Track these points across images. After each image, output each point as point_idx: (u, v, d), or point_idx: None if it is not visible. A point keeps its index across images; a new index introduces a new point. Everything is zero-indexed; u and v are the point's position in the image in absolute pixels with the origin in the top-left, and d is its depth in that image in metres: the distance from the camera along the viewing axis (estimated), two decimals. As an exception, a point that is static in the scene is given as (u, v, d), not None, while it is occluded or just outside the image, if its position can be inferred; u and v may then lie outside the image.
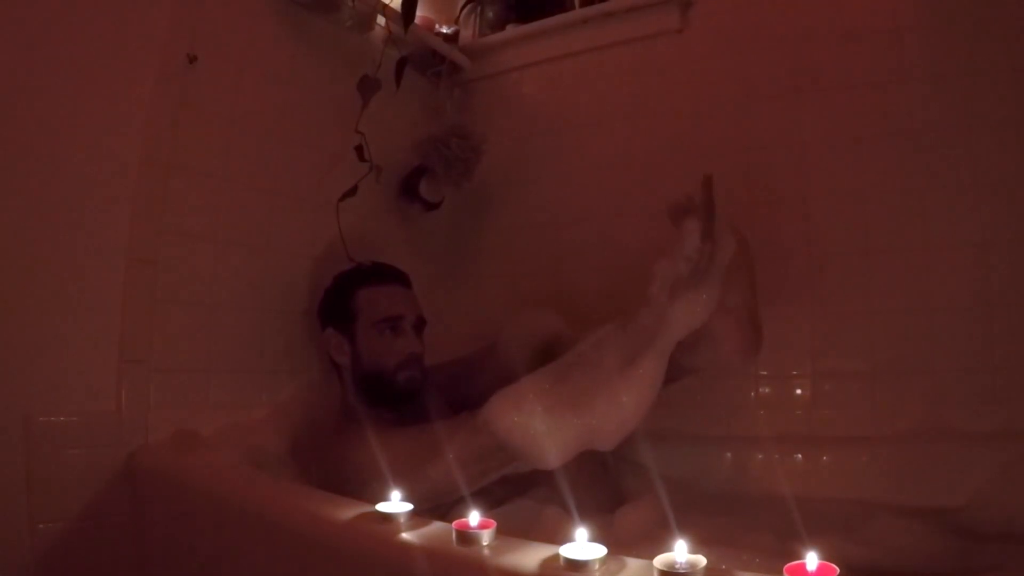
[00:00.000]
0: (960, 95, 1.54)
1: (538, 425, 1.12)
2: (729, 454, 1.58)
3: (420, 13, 1.85)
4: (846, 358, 1.61)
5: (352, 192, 1.66)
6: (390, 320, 1.50)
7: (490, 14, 2.21)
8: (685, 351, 1.21)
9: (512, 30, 2.13)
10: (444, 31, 2.08)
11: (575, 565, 0.72)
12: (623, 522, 1.25)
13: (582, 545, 0.75)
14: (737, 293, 1.26)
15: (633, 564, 0.73)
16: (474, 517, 0.83)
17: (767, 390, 1.66)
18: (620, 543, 1.00)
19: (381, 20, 1.80)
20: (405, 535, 0.86)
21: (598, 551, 0.73)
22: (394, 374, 1.48)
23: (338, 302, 1.54)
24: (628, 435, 1.15)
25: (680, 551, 0.69)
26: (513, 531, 0.86)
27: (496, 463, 1.19)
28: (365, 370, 1.50)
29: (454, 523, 0.83)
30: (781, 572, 0.66)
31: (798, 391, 1.63)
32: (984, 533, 1.24)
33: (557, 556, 0.74)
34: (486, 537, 0.80)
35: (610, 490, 1.49)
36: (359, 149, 1.67)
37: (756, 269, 1.33)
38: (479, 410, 1.18)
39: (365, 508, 0.94)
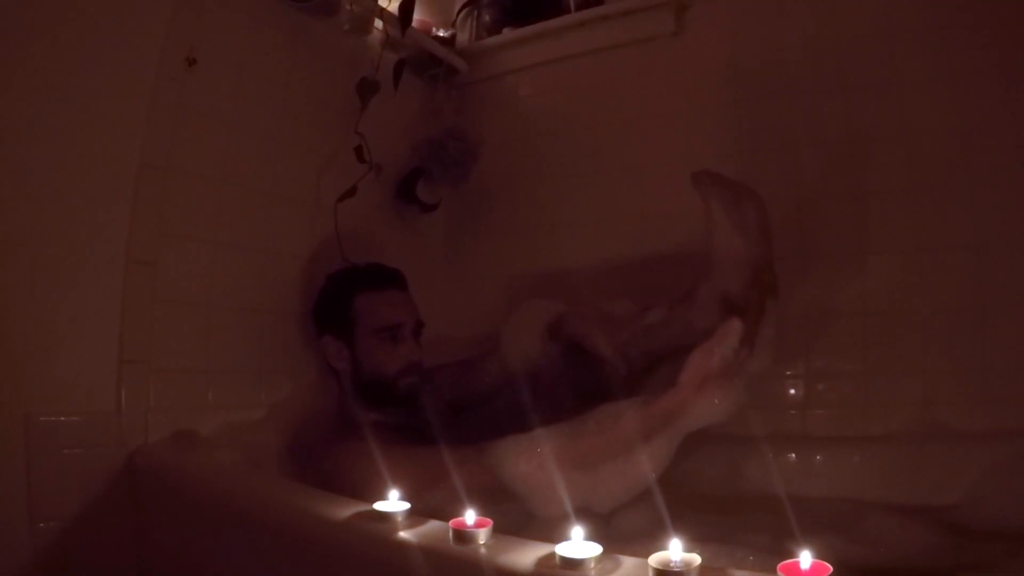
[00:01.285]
0: (954, 97, 1.55)
1: (544, 478, 1.18)
2: (723, 453, 1.58)
3: (417, 16, 1.87)
4: (840, 358, 1.62)
5: (351, 193, 1.67)
6: (390, 328, 1.50)
7: (487, 17, 2.22)
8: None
9: (509, 33, 2.13)
10: (441, 34, 2.09)
11: (571, 563, 0.73)
12: (621, 522, 1.25)
13: (578, 544, 0.76)
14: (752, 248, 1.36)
15: (628, 563, 0.74)
16: (470, 516, 0.83)
17: (761, 390, 1.67)
18: (617, 542, 1.01)
19: (379, 23, 1.81)
20: (402, 534, 0.86)
21: (594, 550, 0.74)
22: (395, 381, 1.49)
23: (335, 308, 1.54)
24: (622, 504, 1.22)
25: (675, 550, 0.70)
26: (507, 530, 0.87)
27: (494, 500, 1.20)
28: (365, 377, 1.50)
29: (451, 522, 0.83)
30: (775, 570, 0.67)
31: (792, 391, 1.64)
32: (977, 531, 1.25)
33: (553, 554, 0.75)
34: (482, 536, 0.81)
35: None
36: (358, 150, 1.68)
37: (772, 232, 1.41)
38: (489, 447, 1.24)
39: (362, 507, 0.95)
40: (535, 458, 1.20)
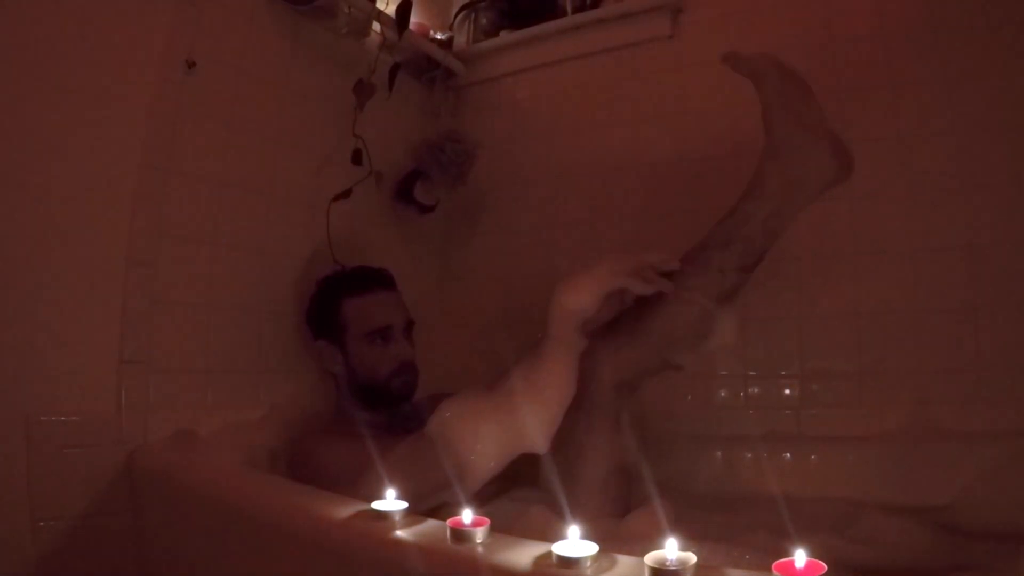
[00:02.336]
0: (948, 98, 1.56)
1: (467, 424, 1.25)
2: (719, 453, 1.59)
3: (415, 19, 1.88)
4: (834, 359, 1.62)
5: (346, 194, 1.68)
6: (380, 331, 1.52)
7: (484, 20, 2.23)
8: (772, 201, 1.31)
9: (505, 36, 2.14)
10: (439, 37, 2.09)
11: (567, 562, 0.73)
12: (633, 526, 1.24)
13: (574, 543, 0.76)
14: (807, 113, 1.33)
15: (624, 561, 0.74)
16: (468, 515, 0.84)
17: (756, 390, 1.68)
18: (614, 541, 1.01)
19: (376, 26, 1.82)
20: (400, 533, 0.86)
21: (590, 548, 0.74)
22: (388, 381, 1.51)
23: (325, 313, 1.56)
24: (551, 432, 1.27)
25: (671, 549, 0.69)
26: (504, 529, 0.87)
27: (442, 474, 1.24)
28: (359, 379, 1.53)
29: (448, 521, 0.83)
30: (770, 569, 0.66)
31: (787, 391, 1.65)
32: (970, 530, 1.25)
33: (550, 553, 0.75)
34: (480, 535, 0.81)
35: (626, 496, 1.50)
36: (357, 153, 1.69)
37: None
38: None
39: (360, 506, 0.95)
40: (456, 406, 1.29)
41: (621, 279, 1.27)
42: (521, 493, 1.36)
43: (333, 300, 1.55)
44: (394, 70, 1.82)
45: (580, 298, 1.29)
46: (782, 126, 1.32)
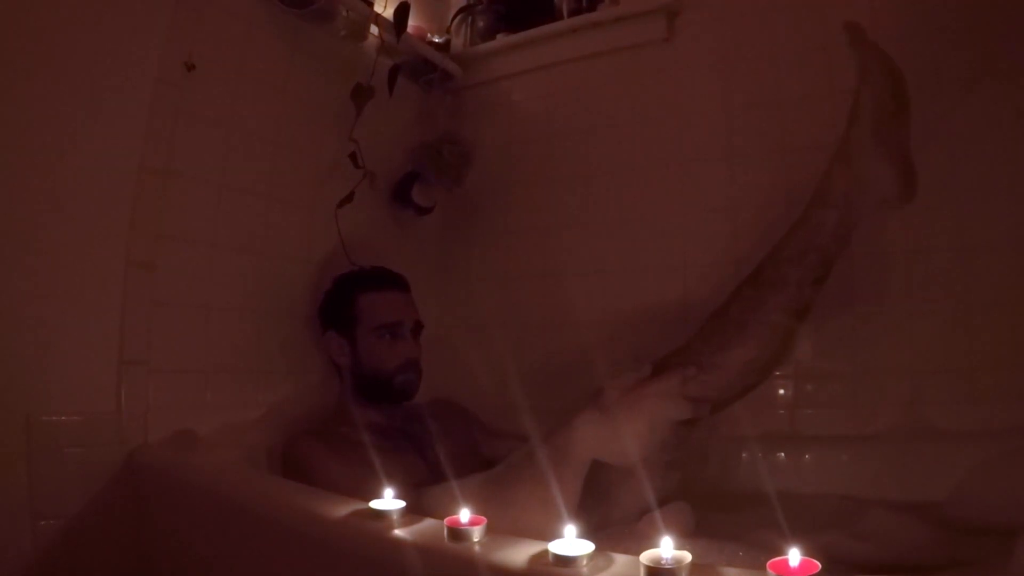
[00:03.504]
0: (939, 102, 1.57)
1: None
2: (714, 452, 1.59)
3: (412, 23, 1.88)
4: (828, 359, 1.62)
5: (349, 199, 1.69)
6: (390, 326, 1.55)
7: (481, 24, 2.24)
8: (838, 210, 1.27)
9: (502, 39, 2.15)
10: (436, 40, 2.11)
11: (564, 561, 0.74)
12: (647, 529, 1.22)
13: (570, 541, 0.76)
14: (893, 131, 1.29)
15: (620, 560, 0.74)
16: (465, 514, 0.84)
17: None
18: (610, 540, 1.02)
19: (374, 29, 1.83)
20: (398, 531, 0.87)
21: (586, 547, 0.75)
22: (392, 376, 1.54)
23: (339, 306, 1.59)
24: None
25: (666, 547, 0.70)
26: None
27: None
28: (364, 372, 1.55)
29: (446, 520, 0.84)
30: (764, 568, 0.67)
31: (781, 391, 1.65)
32: (963, 527, 1.26)
33: (546, 552, 0.76)
34: (477, 534, 0.82)
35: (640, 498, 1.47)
36: (353, 156, 1.70)
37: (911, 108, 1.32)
38: (425, 490, 1.23)
39: (359, 505, 0.96)
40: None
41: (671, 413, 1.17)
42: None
43: (349, 294, 1.59)
44: (393, 72, 1.83)
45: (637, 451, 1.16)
46: (864, 132, 1.29)
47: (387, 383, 1.54)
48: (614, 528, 1.19)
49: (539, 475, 1.16)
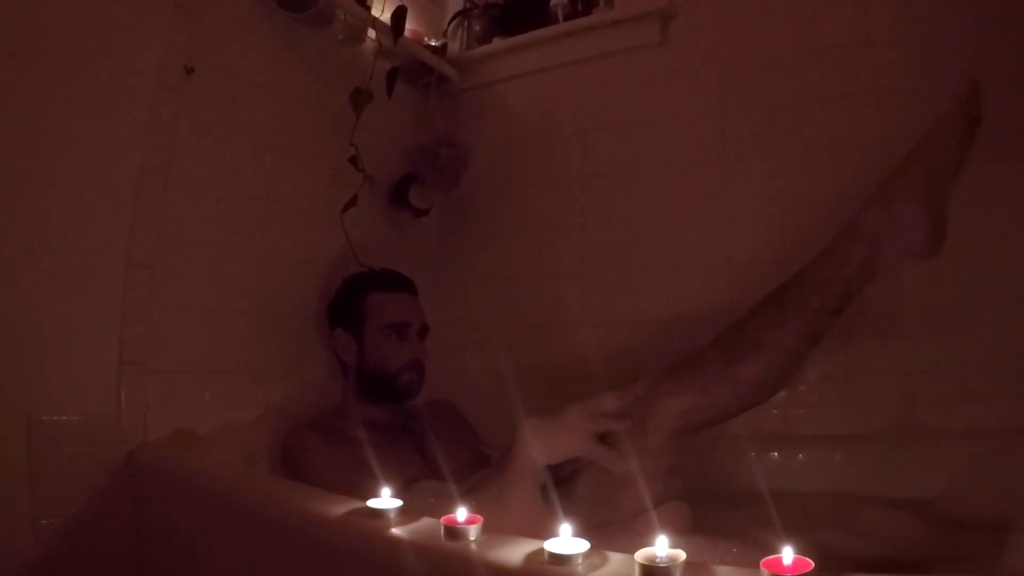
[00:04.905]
0: (931, 103, 1.57)
1: None
2: (708, 453, 1.58)
3: (409, 26, 1.89)
4: (820, 359, 1.60)
5: (353, 203, 1.71)
6: (397, 326, 1.58)
7: (477, 27, 2.25)
8: (868, 245, 1.26)
9: (498, 43, 2.17)
10: (433, 44, 2.12)
11: (559, 559, 0.74)
12: (644, 528, 1.23)
13: (566, 540, 0.76)
14: (942, 186, 1.28)
15: (615, 558, 0.75)
16: (462, 513, 0.85)
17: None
18: (605, 538, 1.03)
19: (372, 33, 1.85)
20: (395, 530, 0.87)
21: (581, 546, 0.75)
22: (396, 376, 1.56)
23: (348, 304, 1.61)
24: None
25: (661, 546, 0.70)
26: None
27: None
28: (369, 370, 1.57)
29: (442, 519, 0.84)
30: (758, 566, 0.67)
31: (774, 391, 1.66)
32: (955, 523, 1.27)
33: (542, 550, 0.76)
34: (473, 532, 0.82)
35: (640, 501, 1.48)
36: (354, 160, 1.72)
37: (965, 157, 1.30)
38: (410, 485, 1.28)
39: (356, 504, 0.96)
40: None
41: (589, 445, 1.24)
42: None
43: (358, 293, 1.61)
44: (392, 74, 1.84)
45: (545, 455, 1.23)
46: (916, 179, 1.28)
47: (391, 382, 1.56)
48: (611, 527, 1.20)
49: (494, 484, 1.22)
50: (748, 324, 1.31)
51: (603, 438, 1.26)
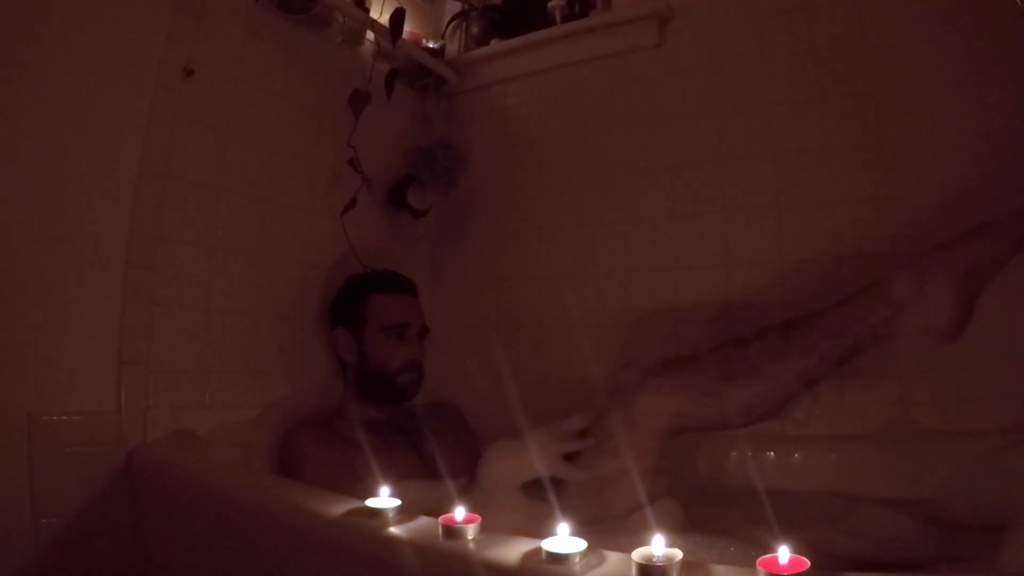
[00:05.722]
0: (928, 105, 1.59)
1: None
2: (704, 451, 1.61)
3: (407, 28, 1.90)
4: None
5: (352, 204, 1.73)
6: (397, 327, 1.59)
7: (475, 29, 2.26)
8: (890, 310, 1.26)
9: (496, 45, 2.17)
10: (431, 46, 2.12)
11: (556, 558, 0.74)
12: (636, 525, 1.25)
13: (563, 539, 0.77)
14: (981, 279, 1.28)
15: (612, 557, 0.75)
16: (460, 512, 0.85)
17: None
18: (602, 537, 1.03)
19: (371, 35, 1.85)
20: (393, 529, 0.88)
21: (578, 545, 0.75)
22: (395, 376, 1.57)
23: (349, 304, 1.63)
24: None
25: (657, 545, 0.70)
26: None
27: None
28: (369, 370, 1.58)
29: (440, 518, 0.85)
30: (754, 564, 0.67)
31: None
32: (950, 523, 1.27)
33: (539, 549, 0.76)
34: (471, 531, 0.82)
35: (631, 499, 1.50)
36: (352, 162, 1.72)
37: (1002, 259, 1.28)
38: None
39: (355, 504, 0.97)
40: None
41: (555, 466, 1.28)
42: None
43: (359, 293, 1.63)
44: (391, 76, 1.85)
45: (512, 475, 1.28)
46: (959, 264, 1.26)
47: (390, 382, 1.58)
48: (605, 523, 1.21)
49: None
50: (751, 346, 1.31)
51: (571, 456, 1.30)
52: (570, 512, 1.13)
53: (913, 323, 1.26)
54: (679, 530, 1.22)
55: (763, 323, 1.35)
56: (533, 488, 1.34)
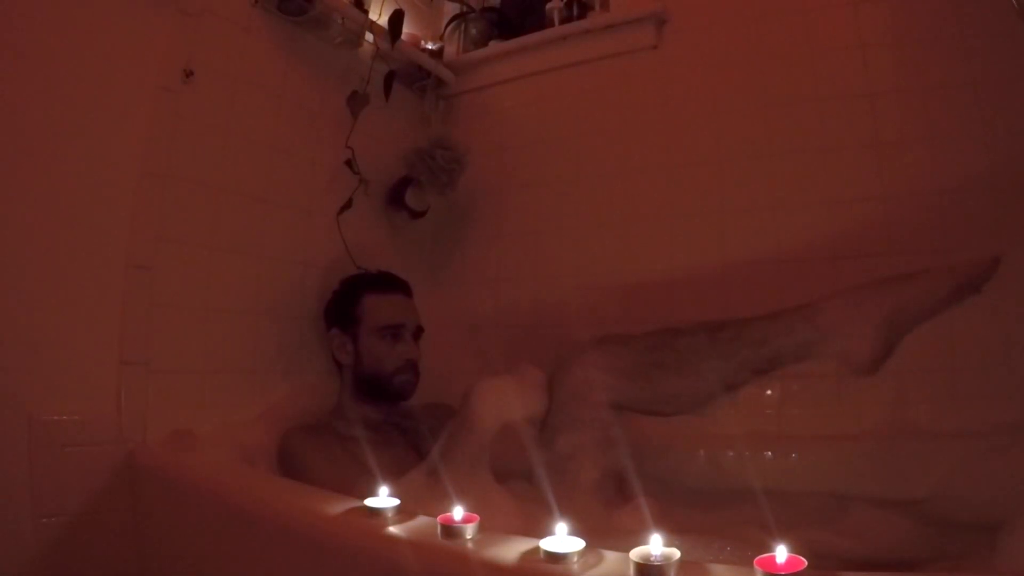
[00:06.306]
0: (924, 106, 1.60)
1: None
2: (702, 452, 1.61)
3: (406, 30, 1.91)
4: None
5: (348, 205, 1.73)
6: (392, 328, 1.60)
7: (474, 31, 2.27)
8: (814, 333, 1.31)
9: (494, 46, 2.18)
10: (429, 47, 2.13)
11: (554, 557, 0.74)
12: (620, 521, 1.27)
13: (561, 538, 0.77)
14: (911, 320, 1.32)
15: (610, 557, 0.75)
16: (458, 512, 0.85)
17: (740, 390, 1.70)
18: (600, 536, 1.04)
19: (369, 37, 1.86)
20: (392, 529, 0.88)
21: (576, 544, 0.75)
22: (391, 376, 1.58)
23: (345, 305, 1.63)
24: None
25: (655, 544, 0.71)
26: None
27: None
28: (365, 370, 1.59)
29: (439, 517, 0.85)
30: (752, 564, 0.68)
31: (768, 391, 1.66)
32: (946, 523, 1.27)
33: (537, 549, 0.77)
34: (470, 531, 0.83)
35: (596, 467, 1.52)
36: (349, 163, 1.73)
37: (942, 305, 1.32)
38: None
39: (354, 503, 0.97)
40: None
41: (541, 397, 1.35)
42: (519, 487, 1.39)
43: (354, 294, 1.63)
44: (389, 77, 1.85)
45: (501, 415, 1.32)
46: (887, 299, 1.31)
47: (386, 382, 1.58)
48: (596, 520, 1.23)
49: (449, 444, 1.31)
50: (682, 338, 1.37)
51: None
52: (542, 489, 1.21)
53: (833, 350, 1.32)
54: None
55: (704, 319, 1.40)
56: (518, 482, 1.37)
